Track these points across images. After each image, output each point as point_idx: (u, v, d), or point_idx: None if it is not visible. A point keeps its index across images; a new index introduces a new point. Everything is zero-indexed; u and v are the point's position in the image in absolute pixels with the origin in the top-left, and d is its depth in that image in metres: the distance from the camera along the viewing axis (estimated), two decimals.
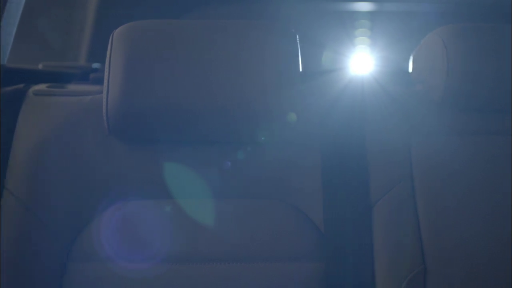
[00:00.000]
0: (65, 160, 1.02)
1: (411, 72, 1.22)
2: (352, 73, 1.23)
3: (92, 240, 0.99)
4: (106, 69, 0.98)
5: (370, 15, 1.91)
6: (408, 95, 1.14)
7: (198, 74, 0.97)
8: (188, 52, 0.98)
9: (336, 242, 0.99)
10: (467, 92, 1.06)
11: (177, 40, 0.99)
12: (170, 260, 0.98)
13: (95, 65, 1.27)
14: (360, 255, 0.99)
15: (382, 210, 1.02)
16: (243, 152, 1.05)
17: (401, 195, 1.03)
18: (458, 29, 1.08)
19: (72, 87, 1.12)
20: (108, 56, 0.99)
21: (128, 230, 1.00)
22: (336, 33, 1.87)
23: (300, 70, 1.05)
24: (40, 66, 1.24)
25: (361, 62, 1.91)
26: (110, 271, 0.97)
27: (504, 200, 1.03)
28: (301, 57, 1.04)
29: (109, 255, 0.98)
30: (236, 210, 1.02)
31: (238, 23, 1.03)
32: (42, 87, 1.09)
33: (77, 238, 1.00)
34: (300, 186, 1.04)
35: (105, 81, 0.98)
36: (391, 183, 1.03)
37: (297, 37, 1.03)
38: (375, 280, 0.98)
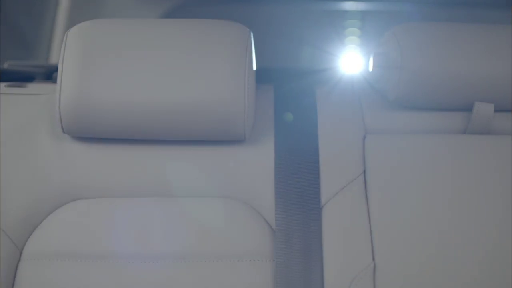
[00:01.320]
0: (18, 159, 1.02)
1: (371, 71, 1.21)
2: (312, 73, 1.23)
3: (44, 240, 0.99)
4: (60, 68, 0.99)
5: (361, 14, 1.90)
6: (365, 94, 1.14)
7: (149, 72, 0.98)
8: (140, 50, 0.99)
9: (286, 240, 0.98)
10: (420, 91, 1.05)
11: (131, 38, 1.00)
12: (120, 258, 0.98)
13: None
14: (310, 254, 0.98)
15: (333, 209, 1.01)
16: (196, 150, 1.05)
17: (353, 194, 1.02)
18: (413, 27, 1.07)
19: (33, 86, 1.13)
20: (61, 55, 1.00)
21: (79, 228, 1.00)
22: (326, 32, 1.86)
23: (254, 68, 1.06)
24: (5, 65, 1.26)
25: (351, 61, 1.90)
26: (61, 270, 0.97)
27: (456, 197, 1.02)
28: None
29: (61, 253, 0.98)
30: (188, 208, 1.02)
31: (191, 21, 1.03)
32: (1, 86, 1.11)
33: (29, 238, 1.00)
34: (253, 184, 1.03)
35: (58, 79, 0.99)
36: (343, 182, 1.03)
37: (251, 35, 1.03)
38: (324, 278, 0.97)
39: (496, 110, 1.08)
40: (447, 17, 1.74)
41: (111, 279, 0.96)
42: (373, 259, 0.98)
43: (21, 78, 1.20)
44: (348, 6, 1.90)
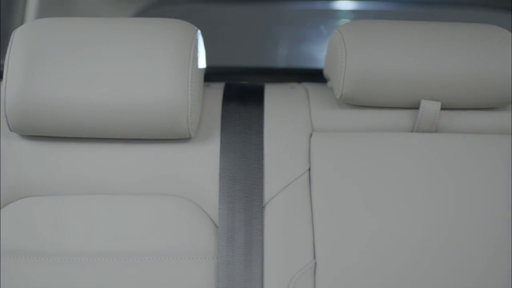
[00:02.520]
0: None
1: (324, 69, 1.22)
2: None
3: None
4: (5, 67, 1.00)
5: (353, 14, 1.88)
6: (315, 93, 1.15)
7: (93, 70, 0.98)
8: (85, 49, 1.00)
9: (228, 238, 0.99)
10: (365, 89, 1.05)
11: (76, 36, 1.01)
12: (65, 255, 0.99)
13: None
14: (251, 251, 0.99)
15: (276, 207, 1.02)
16: (142, 148, 1.05)
17: (297, 192, 1.03)
18: (359, 25, 1.07)
19: None
20: (7, 54, 1.00)
21: (26, 226, 1.01)
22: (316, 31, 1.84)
23: (202, 66, 1.07)
24: None
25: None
26: (8, 268, 0.98)
27: (400, 196, 1.02)
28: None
29: (8, 251, 0.99)
30: (133, 206, 1.02)
31: (139, 20, 1.05)
32: None
33: None
34: (199, 182, 1.04)
35: (4, 78, 0.99)
36: (287, 180, 1.03)
37: (198, 34, 1.04)
38: (264, 276, 0.98)
39: (443, 108, 1.09)
40: (432, 16, 1.74)
41: (56, 276, 0.97)
42: (314, 257, 0.99)
43: None
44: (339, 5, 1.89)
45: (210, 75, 1.25)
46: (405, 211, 1.01)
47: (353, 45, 1.04)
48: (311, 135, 1.08)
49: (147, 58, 0.99)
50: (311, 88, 1.18)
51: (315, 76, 1.29)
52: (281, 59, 1.85)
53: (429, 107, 1.06)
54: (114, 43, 1.00)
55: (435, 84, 1.05)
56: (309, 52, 1.84)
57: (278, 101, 1.13)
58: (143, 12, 1.72)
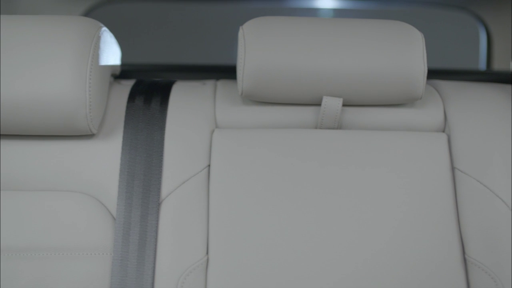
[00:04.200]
0: None
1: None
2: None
3: None
4: None
5: (347, 13, 1.88)
6: (222, 89, 1.16)
7: None
8: None
9: (124, 234, 1.00)
10: (265, 86, 1.06)
11: None
12: None
13: None
14: (145, 247, 1.00)
15: (173, 203, 1.02)
16: (45, 144, 1.06)
17: (195, 188, 1.03)
18: (262, 22, 1.08)
19: None
20: None
21: None
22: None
23: (105, 63, 1.08)
24: None
25: None
26: None
27: (300, 192, 1.03)
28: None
29: None
30: (34, 202, 1.02)
31: (42, 17, 1.05)
32: None
33: None
34: (100, 178, 1.05)
35: None
36: (186, 176, 1.04)
37: (101, 30, 1.05)
38: (155, 271, 0.99)
39: (347, 105, 1.09)
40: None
41: None
42: (207, 253, 0.99)
43: None
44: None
45: (133, 72, 1.28)
46: (302, 208, 1.02)
47: (252, 42, 1.05)
48: (212, 131, 1.09)
49: (46, 54, 1.00)
50: (222, 85, 1.18)
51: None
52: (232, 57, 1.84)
53: (331, 104, 1.06)
54: (16, 40, 1.00)
55: (336, 80, 1.05)
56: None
57: (183, 98, 1.13)
58: (91, 11, 1.68)
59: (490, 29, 1.60)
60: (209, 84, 1.19)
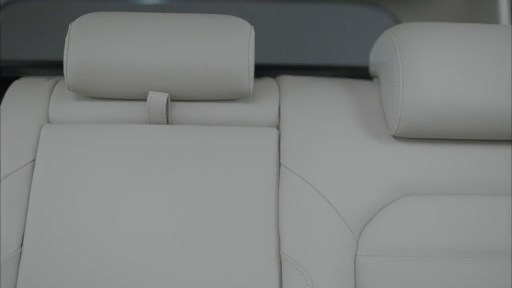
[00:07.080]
0: None
1: None
2: None
3: None
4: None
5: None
6: (60, 84, 1.16)
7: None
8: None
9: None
10: (88, 80, 1.06)
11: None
12: None
13: None
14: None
15: None
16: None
17: (17, 182, 1.03)
18: (86, 18, 1.09)
19: None
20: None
21: None
22: None
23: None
24: None
25: None
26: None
27: (122, 187, 1.03)
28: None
29: None
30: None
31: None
32: None
33: None
34: None
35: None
36: (8, 170, 1.04)
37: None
38: None
39: (176, 100, 1.10)
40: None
41: None
42: (21, 245, 1.00)
43: None
44: None
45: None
46: (126, 203, 1.02)
47: (75, 37, 1.05)
48: (42, 126, 1.09)
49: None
50: (64, 80, 1.17)
51: None
52: None
53: (156, 99, 1.06)
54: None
55: (163, 75, 1.05)
56: None
57: (17, 94, 1.13)
58: (9, 4, 1.64)
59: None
60: (54, 80, 1.17)
